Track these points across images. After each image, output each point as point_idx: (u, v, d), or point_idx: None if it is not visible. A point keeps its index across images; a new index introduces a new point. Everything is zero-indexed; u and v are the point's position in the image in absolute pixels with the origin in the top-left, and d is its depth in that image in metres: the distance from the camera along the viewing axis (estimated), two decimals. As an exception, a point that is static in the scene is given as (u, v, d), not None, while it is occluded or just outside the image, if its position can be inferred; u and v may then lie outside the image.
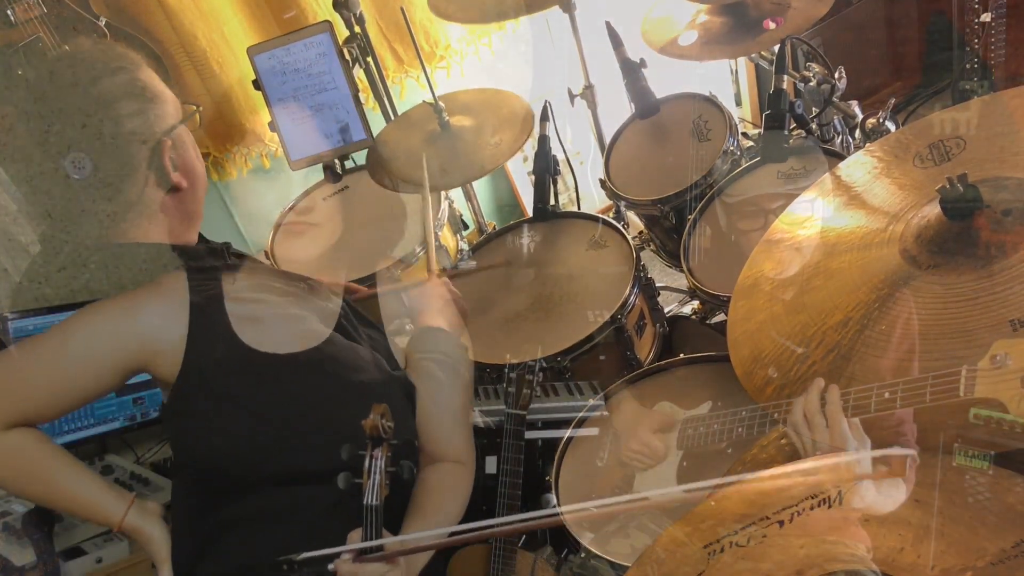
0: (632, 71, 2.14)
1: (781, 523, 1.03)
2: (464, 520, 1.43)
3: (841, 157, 1.69)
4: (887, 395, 1.07)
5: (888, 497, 1.02)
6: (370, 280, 1.87)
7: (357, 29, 2.17)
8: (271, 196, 2.65)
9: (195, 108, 1.41)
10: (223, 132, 2.53)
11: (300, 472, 1.33)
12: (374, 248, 2.00)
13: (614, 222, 1.90)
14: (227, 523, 1.34)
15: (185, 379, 1.32)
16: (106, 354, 1.30)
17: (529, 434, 1.72)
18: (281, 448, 1.31)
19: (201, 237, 1.44)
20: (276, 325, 1.38)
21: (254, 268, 1.48)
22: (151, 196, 1.35)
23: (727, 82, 3.24)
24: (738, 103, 3.27)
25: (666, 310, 2.05)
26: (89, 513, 1.36)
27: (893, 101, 2.03)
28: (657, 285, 1.93)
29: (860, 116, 2.04)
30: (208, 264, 1.38)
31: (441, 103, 2.02)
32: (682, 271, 1.87)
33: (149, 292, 1.35)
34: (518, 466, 1.68)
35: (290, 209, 2.23)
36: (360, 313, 1.51)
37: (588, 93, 2.40)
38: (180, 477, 1.46)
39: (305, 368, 1.33)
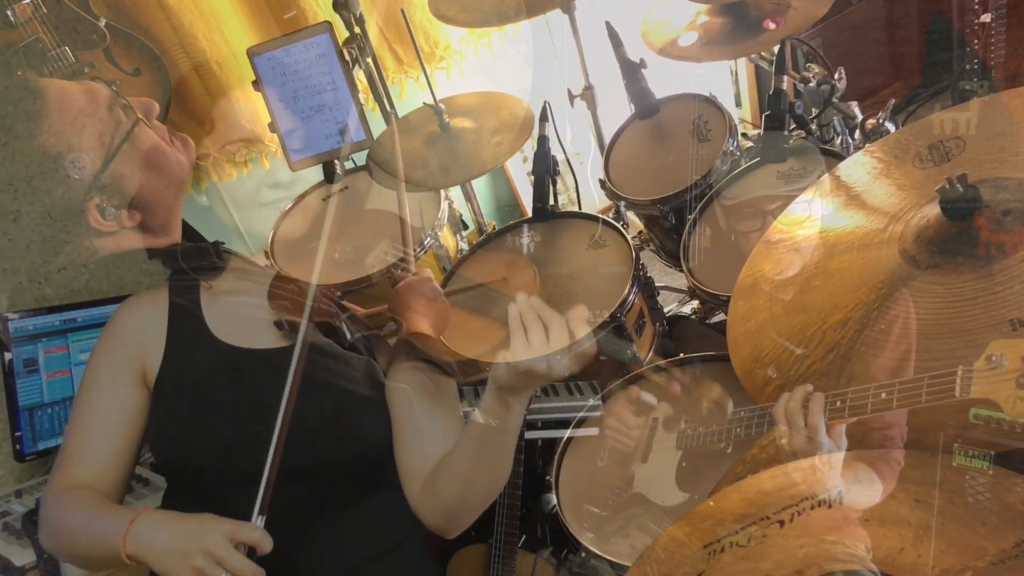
0: (632, 72, 2.15)
1: (781, 523, 1.03)
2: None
3: (841, 158, 1.69)
4: (884, 395, 1.08)
5: (862, 495, 1.03)
6: (368, 280, 1.87)
7: (357, 30, 2.17)
8: (270, 197, 2.66)
9: (134, 121, 1.30)
10: (223, 132, 2.53)
11: (281, 472, 1.31)
12: (373, 248, 2.00)
13: (614, 222, 1.90)
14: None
15: (164, 376, 1.32)
16: (118, 372, 1.33)
17: (529, 434, 1.72)
18: (260, 448, 1.27)
19: (193, 235, 1.43)
20: (253, 321, 1.37)
21: (240, 267, 1.47)
22: (102, 242, 1.33)
23: (727, 83, 3.24)
24: (738, 104, 3.28)
25: (666, 310, 2.05)
26: (97, 550, 1.22)
27: (893, 102, 2.03)
28: (657, 285, 1.93)
29: (860, 117, 2.04)
30: (192, 265, 1.38)
31: (441, 104, 2.02)
32: (682, 271, 1.87)
33: (133, 299, 1.38)
34: (518, 466, 1.68)
35: (289, 210, 2.23)
36: (356, 317, 1.51)
37: (588, 94, 2.40)
38: (167, 481, 1.44)
39: (280, 368, 1.28)
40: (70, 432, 1.34)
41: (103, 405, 1.33)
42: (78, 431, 1.33)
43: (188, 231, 1.53)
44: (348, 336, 1.32)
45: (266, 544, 1.14)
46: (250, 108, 2.51)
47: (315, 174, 2.20)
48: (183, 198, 1.40)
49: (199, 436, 1.30)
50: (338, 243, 2.09)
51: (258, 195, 2.67)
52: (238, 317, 1.39)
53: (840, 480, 1.05)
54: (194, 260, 1.39)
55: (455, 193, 2.31)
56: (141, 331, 1.36)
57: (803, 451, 1.13)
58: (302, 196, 2.27)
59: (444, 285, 1.76)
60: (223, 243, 1.46)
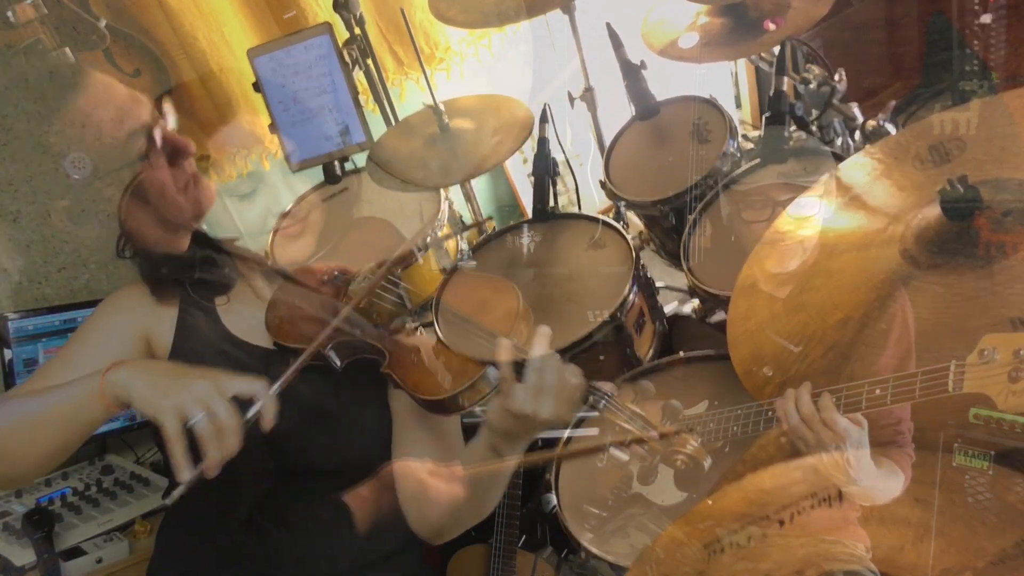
0: (632, 73, 2.15)
1: (781, 523, 1.03)
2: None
3: (841, 159, 1.69)
4: (878, 391, 1.08)
5: (885, 489, 1.02)
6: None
7: (357, 31, 2.17)
8: (270, 198, 2.65)
9: (146, 152, 1.28)
10: (223, 134, 2.53)
11: (304, 467, 1.33)
12: (373, 249, 2.00)
13: (613, 222, 1.89)
14: (232, 524, 1.33)
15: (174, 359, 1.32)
16: (125, 331, 1.32)
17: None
18: (281, 443, 1.29)
19: (209, 243, 1.44)
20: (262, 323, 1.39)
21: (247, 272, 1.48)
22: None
23: (727, 84, 3.24)
24: (738, 105, 3.28)
25: (666, 309, 2.05)
26: (72, 422, 1.11)
27: (893, 103, 2.03)
28: (657, 284, 1.93)
29: (860, 118, 2.04)
30: (207, 279, 1.38)
31: (441, 105, 2.02)
32: (682, 270, 1.87)
33: (136, 285, 1.36)
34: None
35: (288, 212, 2.23)
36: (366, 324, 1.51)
37: (588, 95, 2.40)
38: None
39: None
40: (48, 363, 1.30)
41: (96, 344, 1.28)
42: (59, 361, 1.28)
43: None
44: (337, 363, 1.31)
45: (268, 404, 1.06)
46: (250, 109, 2.51)
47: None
48: (182, 236, 1.37)
49: None
50: (338, 243, 2.09)
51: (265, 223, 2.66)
52: (251, 317, 1.41)
53: (874, 472, 1.05)
54: (210, 273, 1.39)
55: (455, 193, 2.31)
56: (149, 305, 1.35)
57: (827, 447, 1.12)
58: (301, 198, 2.27)
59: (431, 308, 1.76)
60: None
